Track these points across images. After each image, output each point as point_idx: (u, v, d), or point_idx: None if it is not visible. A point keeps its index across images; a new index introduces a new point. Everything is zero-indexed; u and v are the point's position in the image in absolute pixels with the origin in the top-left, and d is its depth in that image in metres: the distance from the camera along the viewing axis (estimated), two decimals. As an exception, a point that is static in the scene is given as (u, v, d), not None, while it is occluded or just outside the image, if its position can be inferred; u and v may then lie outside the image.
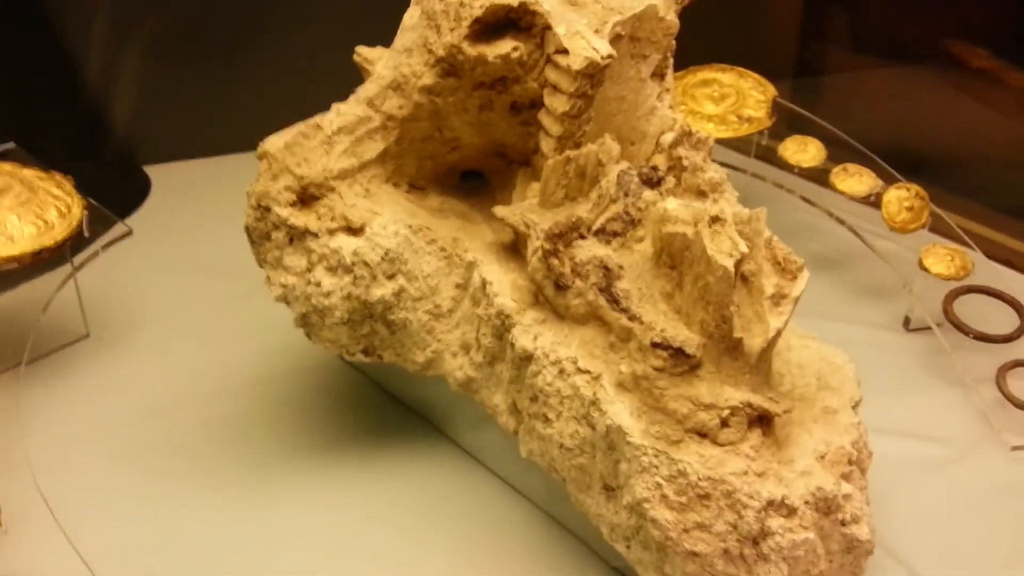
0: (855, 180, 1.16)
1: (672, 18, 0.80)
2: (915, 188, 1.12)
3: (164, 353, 1.04)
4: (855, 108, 1.50)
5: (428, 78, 0.77)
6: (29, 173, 0.97)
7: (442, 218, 0.83)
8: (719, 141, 1.24)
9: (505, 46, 0.75)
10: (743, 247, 0.65)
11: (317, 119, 0.81)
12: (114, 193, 1.26)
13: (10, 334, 1.00)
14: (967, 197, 1.34)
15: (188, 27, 1.35)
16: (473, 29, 0.75)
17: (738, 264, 0.65)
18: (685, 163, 0.74)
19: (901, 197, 1.12)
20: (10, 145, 1.03)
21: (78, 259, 1.01)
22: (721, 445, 0.66)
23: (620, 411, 0.67)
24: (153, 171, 1.38)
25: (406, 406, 0.96)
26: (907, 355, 1.07)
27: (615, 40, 0.76)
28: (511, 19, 0.75)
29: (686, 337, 0.66)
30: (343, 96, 0.83)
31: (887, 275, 1.14)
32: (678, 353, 0.66)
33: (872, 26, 1.57)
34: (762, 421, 0.68)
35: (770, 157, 1.27)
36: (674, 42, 0.82)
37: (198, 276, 1.15)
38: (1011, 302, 1.05)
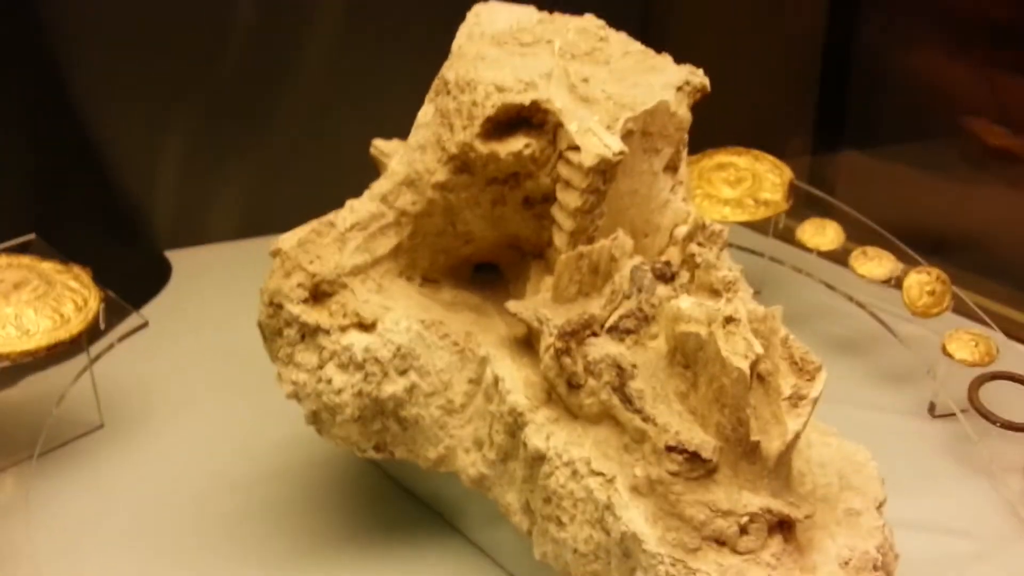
0: (875, 264, 1.15)
1: (684, 112, 0.80)
2: (936, 272, 1.11)
3: (177, 445, 1.03)
4: (873, 188, 1.50)
5: (441, 175, 0.78)
6: (47, 266, 0.98)
7: (455, 312, 0.83)
8: (737, 224, 1.24)
9: (517, 143, 0.75)
10: (758, 348, 0.64)
11: (331, 216, 0.81)
12: (135, 279, 1.28)
13: (24, 425, 0.99)
14: (989, 277, 1.32)
15: (214, 113, 1.38)
16: (485, 127, 0.75)
17: (754, 365, 0.64)
18: (698, 260, 0.73)
19: (922, 281, 1.11)
20: (31, 237, 1.05)
21: (94, 350, 1.01)
22: (740, 553, 0.63)
23: (635, 517, 0.65)
24: (175, 256, 1.39)
25: (420, 500, 0.94)
26: (932, 443, 1.04)
27: (627, 136, 0.76)
28: (523, 117, 0.76)
29: (702, 440, 0.64)
30: (361, 181, 0.84)
31: (910, 360, 1.12)
32: (694, 457, 0.64)
33: (889, 105, 1.57)
34: (783, 526, 0.65)
35: (789, 238, 1.26)
36: (686, 135, 0.82)
37: (214, 366, 1.15)
38: (1039, 389, 1.02)
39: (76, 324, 0.93)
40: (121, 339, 1.01)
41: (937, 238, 1.37)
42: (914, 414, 1.09)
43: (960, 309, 1.12)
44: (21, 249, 1.03)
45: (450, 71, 0.80)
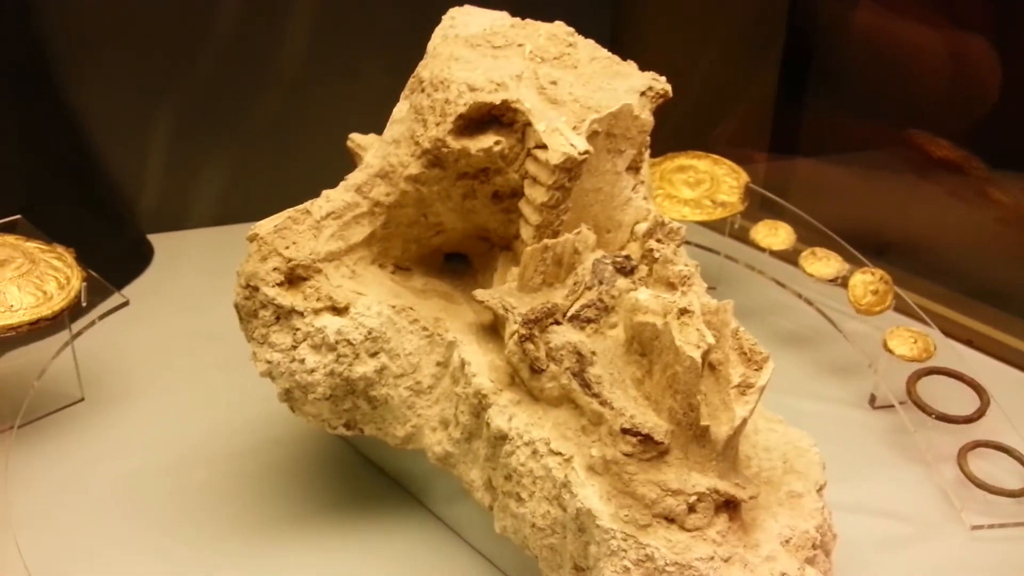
0: (823, 263, 1.16)
1: (647, 116, 0.81)
2: (880, 273, 1.12)
3: (155, 419, 1.02)
4: (824, 194, 1.51)
5: (414, 168, 0.78)
6: (32, 246, 0.96)
7: (425, 298, 0.83)
8: (695, 223, 1.25)
9: (487, 140, 0.75)
10: (710, 338, 0.65)
11: (307, 205, 0.81)
12: (118, 261, 1.26)
13: (5, 397, 0.98)
14: (929, 279, 1.34)
15: (198, 100, 1.37)
16: (457, 124, 0.75)
17: (705, 354, 0.64)
18: (657, 255, 0.73)
19: (867, 281, 1.12)
20: (17, 217, 1.03)
21: (76, 327, 1.00)
22: (688, 530, 0.64)
23: (590, 494, 0.66)
24: (157, 239, 1.38)
25: (388, 476, 0.94)
26: (872, 433, 1.06)
27: (592, 136, 0.76)
28: (494, 115, 0.76)
29: (655, 424, 0.65)
30: (337, 173, 0.84)
31: (853, 355, 1.14)
32: (647, 439, 0.65)
33: (841, 115, 1.59)
34: (728, 506, 0.66)
35: (744, 238, 1.27)
36: (648, 137, 0.82)
37: (191, 344, 1.14)
38: (971, 384, 1.04)
39: (58, 302, 0.92)
40: (102, 317, 1.00)
41: (881, 241, 1.38)
42: (856, 405, 1.10)
43: (901, 308, 1.14)
44: (7, 229, 1.02)
45: (425, 70, 0.80)
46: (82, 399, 1.04)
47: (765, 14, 1.63)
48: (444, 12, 0.86)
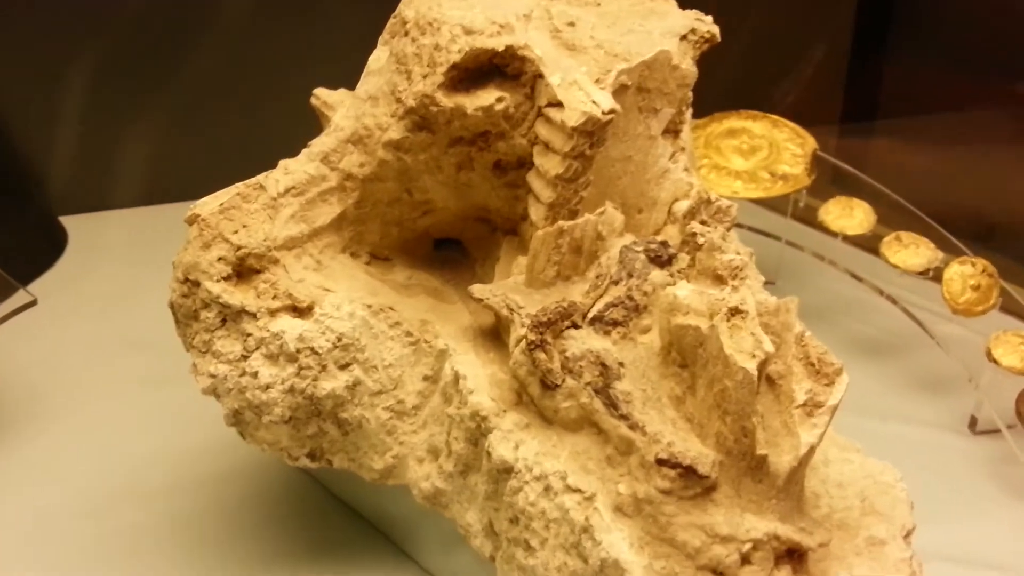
0: (910, 252, 1.16)
1: (688, 66, 0.81)
2: (982, 263, 1.12)
3: (72, 448, 1.03)
4: (911, 164, 1.51)
5: (395, 132, 0.78)
6: (-85, 230, 0.97)
7: (409, 296, 0.83)
8: (749, 201, 1.25)
9: (488, 96, 0.75)
10: (768, 345, 0.64)
11: (260, 178, 0.81)
12: (22, 249, 1.27)
13: None
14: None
15: (118, 59, 1.37)
16: (450, 76, 0.75)
17: (762, 366, 0.64)
18: (701, 241, 0.73)
19: (965, 274, 1.12)
20: None
21: (-29, 333, 1.01)
22: (741, 587, 0.64)
23: (617, 541, 0.65)
24: (71, 223, 1.38)
25: (363, 519, 0.94)
26: (972, 463, 1.06)
27: (619, 92, 0.76)
28: (496, 65, 0.76)
29: (698, 453, 0.65)
30: (298, 138, 0.84)
31: (949, 366, 1.14)
32: (688, 472, 0.65)
33: (932, 66, 1.59)
34: (792, 556, 0.66)
35: (810, 220, 1.28)
36: (691, 93, 0.82)
37: (115, 353, 1.14)
38: (1098, 403, 1.04)
39: (-51, 301, 0.92)
40: (4, 319, 1.01)
41: (985, 223, 1.39)
42: (952, 429, 1.11)
43: (1009, 307, 1.14)
44: None
45: (409, 8, 0.80)
46: (-21, 423, 1.04)
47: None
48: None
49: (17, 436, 1.04)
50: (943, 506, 0.92)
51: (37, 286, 1.16)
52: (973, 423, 1.10)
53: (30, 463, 1.01)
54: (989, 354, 1.06)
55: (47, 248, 1.33)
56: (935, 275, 1.14)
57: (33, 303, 1.02)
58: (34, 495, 0.97)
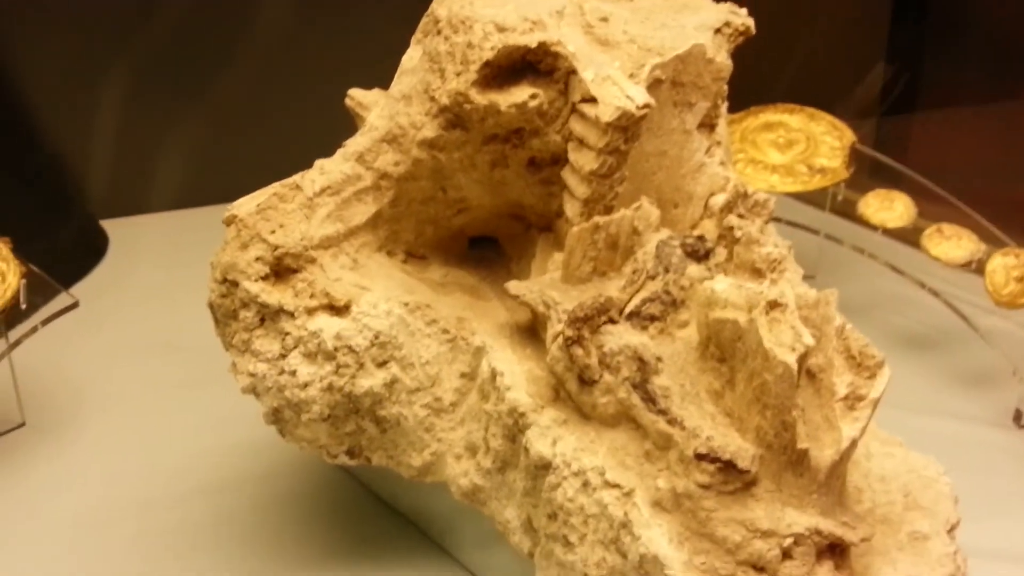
0: (952, 243, 1.16)
1: (723, 59, 0.80)
2: (1025, 254, 1.11)
3: (112, 449, 1.04)
4: (952, 155, 1.50)
5: (430, 130, 0.78)
6: (-43, 235, 0.98)
7: (445, 294, 0.83)
8: (787, 195, 1.24)
9: (521, 93, 0.75)
10: (808, 339, 0.64)
11: (296, 178, 0.81)
12: (64, 252, 1.29)
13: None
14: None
15: (156, 65, 1.39)
16: (483, 74, 0.75)
17: (802, 359, 0.64)
18: (738, 234, 0.73)
19: (1009, 265, 1.11)
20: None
21: (14, 335, 1.02)
22: (782, 582, 0.64)
23: (657, 537, 0.65)
24: (111, 226, 1.40)
25: (401, 516, 0.95)
26: (1017, 458, 1.05)
27: (654, 86, 0.76)
28: (529, 62, 0.76)
29: (738, 447, 0.65)
30: (333, 138, 0.84)
31: (993, 359, 1.13)
32: (728, 467, 0.64)
33: (973, 55, 1.57)
34: (834, 551, 0.66)
35: (849, 213, 1.27)
36: (726, 87, 0.82)
37: (155, 354, 1.15)
38: None
39: (-8, 303, 0.94)
40: (46, 322, 1.02)
41: (1028, 215, 1.37)
42: (997, 423, 1.10)
43: (1054, 299, 1.12)
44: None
45: (441, 7, 0.80)
46: (23, 424, 1.06)
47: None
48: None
49: (59, 438, 1.05)
50: (987, 501, 0.91)
51: (79, 289, 1.18)
52: (1018, 417, 1.09)
53: (71, 465, 1.02)
54: (1034, 347, 1.05)
55: (88, 252, 1.35)
56: (978, 267, 1.13)
57: (75, 306, 1.03)
58: (76, 496, 0.98)
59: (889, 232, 1.22)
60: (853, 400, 0.68)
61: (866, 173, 1.28)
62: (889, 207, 1.21)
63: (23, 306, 0.98)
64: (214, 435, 1.04)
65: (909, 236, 1.22)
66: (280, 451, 0.97)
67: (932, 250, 1.16)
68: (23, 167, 1.35)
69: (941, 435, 1.05)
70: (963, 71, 1.57)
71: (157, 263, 1.33)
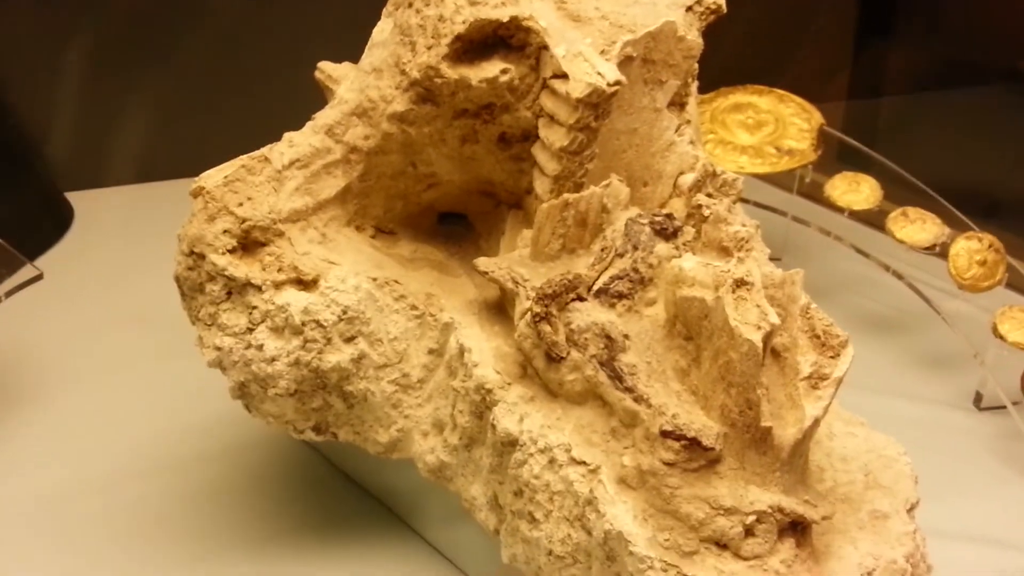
0: (917, 227, 1.16)
1: (694, 37, 0.80)
2: (989, 238, 1.12)
3: (78, 423, 1.03)
4: (918, 139, 1.50)
5: (400, 104, 0.77)
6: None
7: (414, 269, 0.83)
8: (755, 176, 1.25)
9: (492, 68, 0.75)
10: (773, 317, 0.64)
11: (265, 151, 0.81)
12: (28, 223, 1.27)
13: None
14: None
15: (121, 33, 1.37)
16: (454, 47, 0.75)
17: (767, 338, 0.64)
18: (707, 213, 0.73)
19: (972, 249, 1.12)
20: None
21: (-24, 307, 1.01)
22: (745, 559, 0.64)
23: (622, 513, 0.66)
24: (77, 198, 1.38)
25: (367, 493, 0.95)
26: (977, 440, 1.06)
27: (625, 63, 0.75)
28: (500, 36, 0.76)
29: (703, 425, 0.65)
30: (302, 112, 0.84)
31: (954, 342, 1.14)
32: (693, 444, 0.65)
33: (941, 42, 1.58)
34: (796, 529, 0.66)
35: (816, 196, 1.27)
36: (696, 65, 0.82)
37: (121, 328, 1.14)
38: (1105, 380, 1.04)
39: (-46, 275, 0.92)
40: (10, 294, 1.01)
41: (991, 198, 1.38)
42: (957, 405, 1.11)
43: (1016, 283, 1.13)
44: None
45: (414, -21, 0.79)
46: (-15, 397, 1.05)
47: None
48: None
49: (23, 411, 1.04)
50: (947, 482, 0.92)
51: (43, 261, 1.17)
52: (978, 399, 1.11)
53: (36, 438, 1.01)
54: (995, 330, 1.06)
55: (53, 223, 1.33)
56: (941, 251, 1.14)
57: (39, 277, 1.02)
58: (40, 471, 0.97)
59: (855, 214, 1.22)
60: (817, 379, 0.69)
61: (834, 156, 1.29)
62: (855, 190, 1.22)
63: (-14, 278, 0.97)
64: (180, 410, 1.03)
65: (875, 219, 1.22)
66: (246, 426, 0.96)
67: (897, 233, 1.16)
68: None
69: (902, 416, 1.07)
70: (931, 56, 1.58)
71: (123, 235, 1.32)
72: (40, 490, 0.95)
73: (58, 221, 1.34)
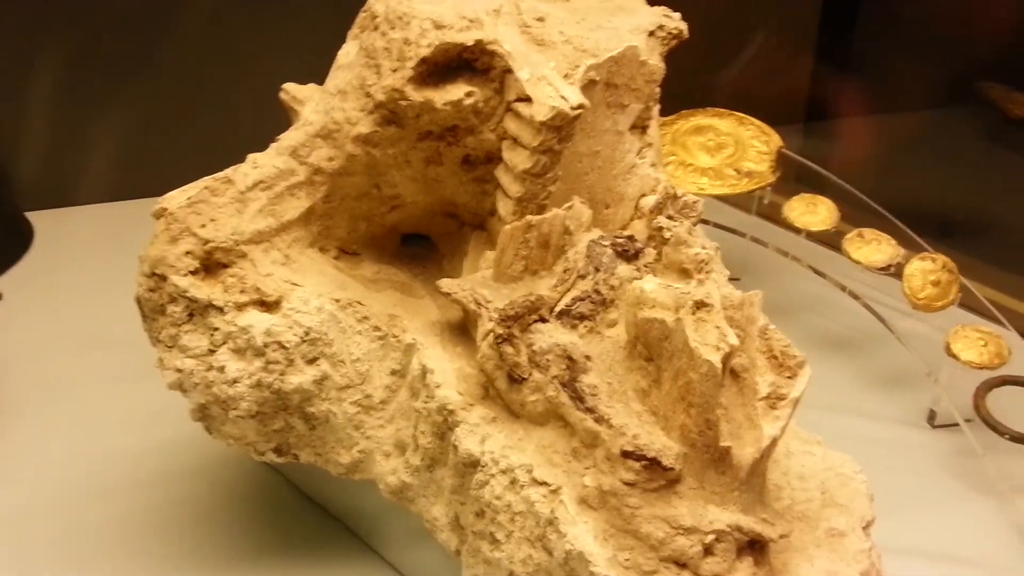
0: (872, 248, 1.18)
1: (656, 62, 0.81)
2: (942, 259, 1.14)
3: (37, 444, 1.02)
4: (874, 162, 1.52)
5: (364, 126, 0.77)
6: None
7: (377, 290, 0.83)
8: (715, 198, 1.26)
9: (457, 91, 0.75)
10: (732, 339, 0.65)
11: (228, 172, 0.80)
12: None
13: None
14: (1003, 268, 1.36)
15: (84, 53, 1.36)
16: (419, 70, 0.75)
17: (726, 359, 0.65)
18: (667, 235, 0.74)
19: (926, 269, 1.13)
20: None
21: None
22: (704, 578, 0.65)
23: (582, 534, 0.66)
24: (37, 218, 1.37)
25: (328, 514, 0.94)
26: (931, 457, 1.07)
27: (588, 87, 0.76)
28: (465, 60, 0.76)
29: (663, 445, 0.65)
30: (266, 133, 0.83)
31: (909, 361, 1.15)
32: (653, 464, 0.65)
33: (897, 67, 1.60)
34: (754, 547, 0.67)
35: (774, 217, 1.28)
36: (658, 89, 0.83)
37: (82, 349, 1.13)
38: (1055, 398, 1.06)
39: (-89, 294, 0.91)
40: (-33, 315, 1.00)
41: (945, 220, 1.40)
42: (911, 423, 1.12)
43: (968, 303, 1.15)
44: None
45: (379, 3, 0.80)
46: (-58, 418, 1.03)
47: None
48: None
49: (-20, 432, 1.03)
50: (902, 499, 0.93)
51: (3, 281, 1.15)
52: (932, 417, 1.12)
53: (-5, 460, 1.00)
54: (948, 349, 1.07)
55: (13, 243, 1.32)
56: (896, 271, 1.15)
57: (-2, 297, 1.01)
58: (1, 492, 0.96)
59: (812, 235, 1.24)
60: (774, 399, 0.69)
61: (792, 177, 1.30)
62: (813, 211, 1.23)
63: (-57, 298, 0.95)
64: (141, 431, 1.02)
65: (831, 240, 1.24)
66: (208, 448, 0.95)
67: (853, 254, 1.18)
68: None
69: (858, 434, 1.07)
70: (888, 78, 1.60)
71: (84, 256, 1.31)
72: (-1, 512, 0.94)
73: (19, 241, 1.32)
